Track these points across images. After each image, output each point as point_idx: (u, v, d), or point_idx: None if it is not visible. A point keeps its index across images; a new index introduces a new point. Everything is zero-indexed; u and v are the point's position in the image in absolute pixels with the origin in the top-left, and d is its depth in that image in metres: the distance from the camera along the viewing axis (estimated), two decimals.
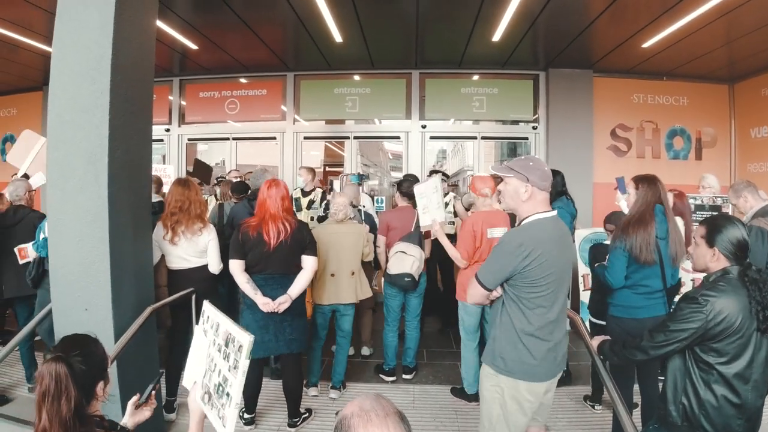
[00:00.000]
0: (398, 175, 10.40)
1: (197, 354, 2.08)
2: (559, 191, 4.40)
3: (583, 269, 5.19)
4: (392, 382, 4.56)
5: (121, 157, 2.96)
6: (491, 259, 2.33)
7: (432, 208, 4.15)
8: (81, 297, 2.90)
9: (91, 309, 2.89)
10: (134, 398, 2.02)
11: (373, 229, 4.92)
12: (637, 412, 3.36)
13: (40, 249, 3.84)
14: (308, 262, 3.51)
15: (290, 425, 3.69)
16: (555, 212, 2.36)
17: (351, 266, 4.19)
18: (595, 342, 2.65)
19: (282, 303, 3.37)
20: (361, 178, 4.87)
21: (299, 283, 3.46)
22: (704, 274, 2.26)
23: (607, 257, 3.23)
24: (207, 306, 2.11)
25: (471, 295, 2.40)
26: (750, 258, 2.19)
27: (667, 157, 7.49)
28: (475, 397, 4.02)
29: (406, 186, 4.61)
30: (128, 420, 1.97)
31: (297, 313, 3.52)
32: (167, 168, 5.73)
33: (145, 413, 2.02)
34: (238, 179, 5.96)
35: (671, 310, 2.21)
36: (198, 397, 1.92)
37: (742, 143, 7.49)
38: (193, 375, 2.05)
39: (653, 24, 5.41)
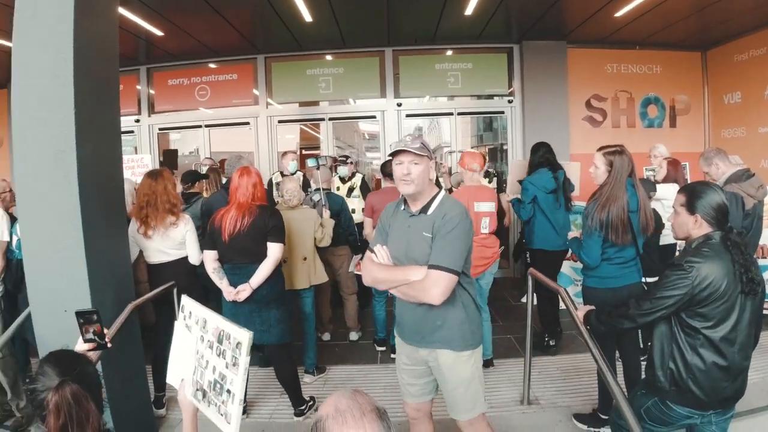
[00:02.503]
0: (373, 155, 10.35)
1: (181, 350, 2.05)
2: (537, 163, 4.53)
3: None
4: (383, 352, 4.70)
5: (90, 152, 2.84)
6: None
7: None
8: (59, 299, 2.80)
9: (70, 310, 2.75)
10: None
11: (347, 212, 4.89)
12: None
13: (16, 252, 3.72)
14: (271, 249, 3.43)
15: (296, 414, 3.65)
16: None
17: (303, 252, 4.16)
18: (580, 312, 2.65)
19: (241, 291, 3.34)
20: (318, 161, 4.77)
21: (260, 272, 3.38)
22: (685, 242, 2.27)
23: (580, 235, 3.23)
24: (187, 301, 2.09)
25: None
26: None
27: (642, 125, 7.56)
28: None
29: (390, 167, 4.54)
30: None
31: (266, 303, 3.45)
32: (144, 157, 5.58)
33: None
34: (211, 167, 5.85)
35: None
36: (188, 394, 1.92)
37: (716, 109, 7.57)
38: (179, 372, 2.03)
39: None
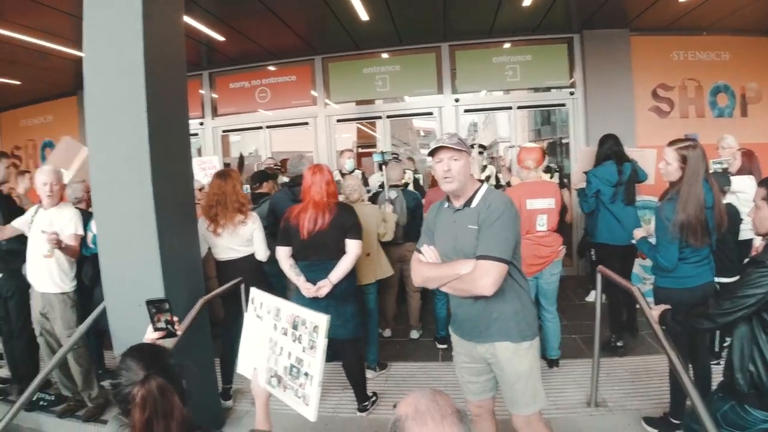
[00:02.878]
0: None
1: (252, 341, 2.11)
2: (604, 155, 4.44)
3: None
4: (444, 350, 4.64)
5: (162, 153, 2.96)
6: None
7: None
8: (133, 294, 2.91)
9: (144, 305, 2.89)
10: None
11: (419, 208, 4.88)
12: None
13: (92, 247, 3.88)
14: (350, 246, 3.46)
15: (360, 410, 3.67)
16: None
17: (367, 247, 4.14)
18: (655, 312, 2.55)
19: (321, 287, 3.37)
20: (384, 156, 4.79)
21: (340, 268, 3.41)
22: None
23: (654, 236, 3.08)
24: (256, 292, 2.17)
25: None
26: None
27: (712, 115, 7.18)
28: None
29: None
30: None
31: (344, 299, 3.48)
32: (213, 159, 5.79)
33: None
34: (278, 167, 5.95)
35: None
36: (262, 381, 1.98)
37: None
38: (251, 361, 2.09)
39: None
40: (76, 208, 3.97)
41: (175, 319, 2.12)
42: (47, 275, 3.66)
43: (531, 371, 2.34)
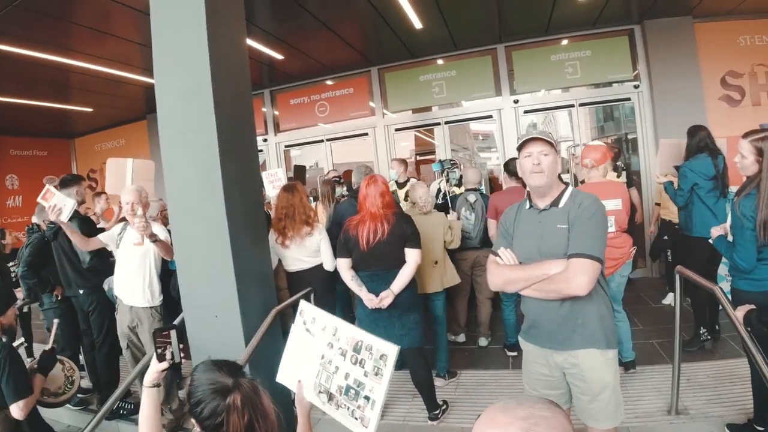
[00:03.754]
0: (487, 156, 10.19)
1: (299, 353, 2.15)
2: (696, 147, 4.29)
3: None
4: (514, 357, 4.54)
5: (233, 169, 3.06)
6: None
7: None
8: (210, 305, 3.05)
9: (221, 316, 3.02)
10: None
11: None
12: None
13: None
14: (410, 255, 3.46)
15: (431, 419, 3.65)
16: None
17: (434, 256, 4.15)
18: (739, 313, 2.43)
19: (384, 298, 3.38)
20: (443, 165, 4.78)
21: (402, 278, 3.42)
22: None
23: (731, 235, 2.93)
24: (306, 306, 2.20)
25: None
26: None
27: None
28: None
29: (514, 165, 4.48)
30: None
31: (406, 308, 3.48)
32: (278, 172, 5.95)
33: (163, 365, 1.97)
34: (339, 179, 6.06)
35: None
36: (309, 395, 2.03)
37: None
38: (295, 373, 2.12)
39: None
40: None
41: (181, 346, 2.03)
42: (137, 289, 3.82)
43: (616, 381, 2.24)
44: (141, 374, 3.64)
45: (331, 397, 1.97)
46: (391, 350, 1.84)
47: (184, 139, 3.04)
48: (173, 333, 1.99)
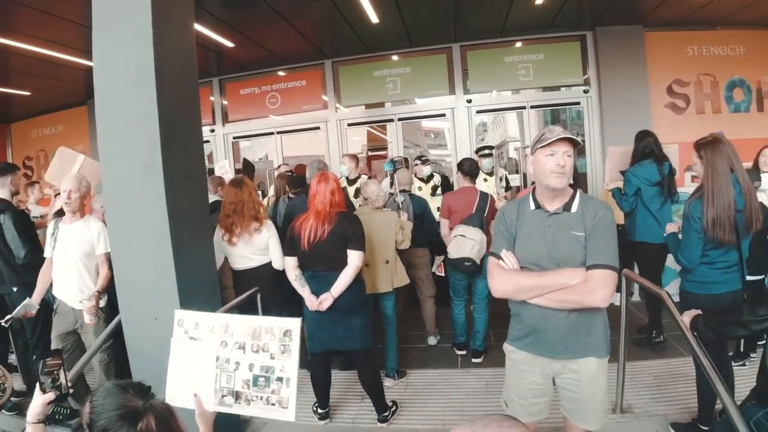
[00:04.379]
0: (439, 153, 10.21)
1: (186, 366, 2.00)
2: (642, 153, 4.37)
3: None
4: (463, 356, 4.59)
5: (175, 164, 2.91)
6: None
7: None
8: (149, 306, 2.90)
9: (160, 318, 2.85)
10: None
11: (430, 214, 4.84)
12: None
13: None
14: (351, 257, 3.36)
15: (380, 420, 3.59)
16: None
17: (385, 255, 4.09)
18: (686, 317, 2.46)
19: (323, 301, 3.32)
20: (395, 165, 4.72)
21: (342, 281, 3.33)
22: None
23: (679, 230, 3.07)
24: (184, 314, 2.06)
25: None
26: None
27: (728, 110, 7.08)
28: None
29: (468, 165, 4.51)
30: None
31: (349, 311, 3.41)
32: (225, 164, 5.75)
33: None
34: (291, 173, 5.90)
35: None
36: (210, 406, 1.93)
37: None
38: (188, 388, 1.96)
39: None
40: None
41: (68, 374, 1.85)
42: (79, 292, 3.59)
43: (606, 383, 2.27)
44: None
45: (238, 396, 1.92)
46: (294, 323, 1.88)
47: (123, 129, 2.86)
48: (60, 357, 1.79)
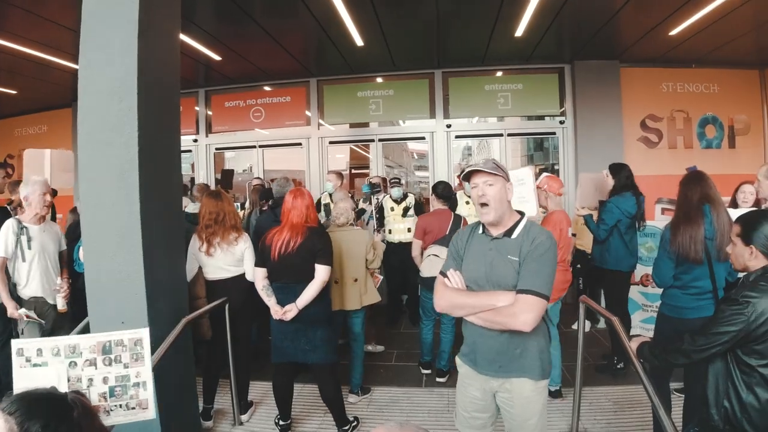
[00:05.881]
0: (422, 174, 10.33)
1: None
2: (622, 185, 4.46)
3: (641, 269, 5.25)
4: (428, 375, 4.69)
5: (151, 173, 2.97)
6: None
7: (530, 199, 3.94)
8: (117, 310, 2.93)
9: (127, 322, 2.89)
10: None
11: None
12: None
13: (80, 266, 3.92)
14: (318, 271, 3.45)
15: None
16: None
17: (354, 273, 4.17)
18: (633, 344, 2.55)
19: (288, 311, 3.39)
20: (374, 188, 4.79)
21: (307, 293, 3.41)
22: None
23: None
24: (23, 343, 2.00)
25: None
26: None
27: (700, 146, 7.28)
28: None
29: (442, 188, 4.64)
30: None
31: (313, 323, 3.48)
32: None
33: None
34: (262, 186, 5.98)
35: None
36: None
37: None
38: None
39: (680, 11, 5.26)
40: None
41: None
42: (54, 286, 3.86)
43: (543, 408, 2.30)
44: None
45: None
46: (143, 332, 2.06)
47: (102, 135, 2.91)
48: None
